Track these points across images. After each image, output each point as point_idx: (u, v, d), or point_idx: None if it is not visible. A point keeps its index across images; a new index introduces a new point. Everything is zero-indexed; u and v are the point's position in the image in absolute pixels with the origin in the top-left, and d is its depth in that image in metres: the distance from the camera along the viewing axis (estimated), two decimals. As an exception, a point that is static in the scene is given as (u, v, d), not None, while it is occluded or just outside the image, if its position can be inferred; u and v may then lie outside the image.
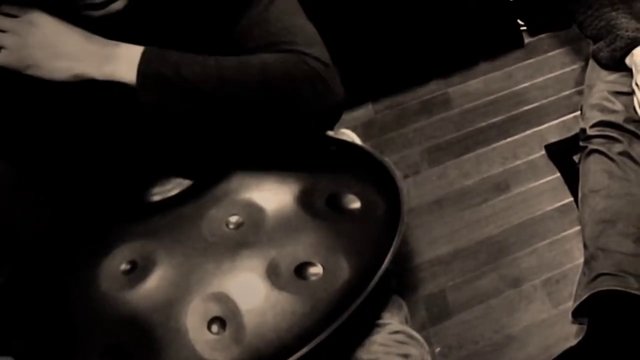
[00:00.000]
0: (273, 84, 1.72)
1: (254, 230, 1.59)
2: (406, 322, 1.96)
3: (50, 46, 1.63)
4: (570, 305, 2.43)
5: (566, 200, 3.08)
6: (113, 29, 1.69)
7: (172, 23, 1.77)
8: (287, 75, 1.73)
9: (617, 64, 2.61)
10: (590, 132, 2.56)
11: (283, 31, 1.78)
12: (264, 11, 1.78)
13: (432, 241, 3.02)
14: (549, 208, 3.08)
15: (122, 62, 1.65)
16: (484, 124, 3.53)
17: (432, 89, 3.72)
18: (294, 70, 1.73)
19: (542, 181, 3.20)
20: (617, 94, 2.56)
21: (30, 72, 1.63)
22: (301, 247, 1.58)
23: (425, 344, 1.89)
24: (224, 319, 1.46)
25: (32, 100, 1.70)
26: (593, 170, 2.53)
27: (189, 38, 1.78)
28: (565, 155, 3.22)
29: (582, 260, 2.50)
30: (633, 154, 2.47)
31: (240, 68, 1.71)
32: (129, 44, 1.67)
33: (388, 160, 1.88)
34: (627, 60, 2.56)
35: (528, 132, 3.44)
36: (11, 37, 1.63)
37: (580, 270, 2.49)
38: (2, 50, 1.63)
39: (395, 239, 1.65)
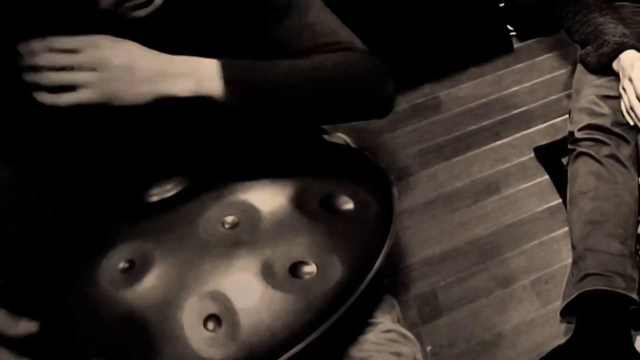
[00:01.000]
0: (347, 79, 1.80)
1: (249, 230, 1.59)
2: (398, 321, 1.96)
3: (129, 73, 1.57)
4: (559, 304, 2.44)
5: (555, 202, 3.09)
6: (155, 29, 1.68)
7: (209, 23, 1.78)
8: (358, 69, 1.82)
9: (605, 69, 2.61)
10: (578, 135, 2.56)
11: (330, 32, 1.85)
12: (304, 16, 1.82)
13: (423, 242, 3.03)
14: (538, 209, 3.10)
15: (203, 76, 1.63)
16: (474, 127, 3.54)
17: (423, 93, 3.74)
18: (362, 65, 1.83)
19: (531, 183, 3.21)
20: (605, 97, 2.57)
21: (114, 103, 1.59)
22: (295, 246, 1.58)
23: (416, 343, 1.89)
24: (220, 317, 1.45)
25: (32, 101, 1.69)
26: (581, 172, 2.53)
27: (224, 38, 1.81)
28: (554, 158, 3.23)
29: (570, 260, 2.50)
30: (620, 156, 2.48)
31: (315, 68, 1.76)
32: (193, 56, 1.65)
33: (381, 162, 1.89)
34: (615, 65, 2.57)
35: (517, 135, 3.45)
36: (87, 73, 1.56)
37: (568, 270, 2.49)
38: (82, 90, 1.57)
39: (388, 239, 1.65)
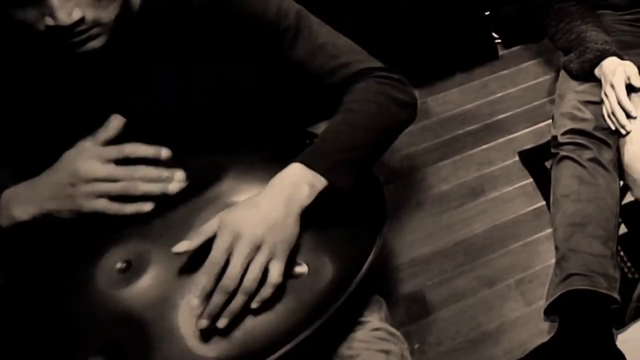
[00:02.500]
0: (390, 114, 1.87)
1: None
2: (386, 319, 1.97)
3: (257, 213, 1.55)
4: (543, 303, 2.44)
5: (538, 204, 3.10)
6: (116, 58, 1.69)
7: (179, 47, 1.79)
8: (388, 97, 1.88)
9: (587, 75, 2.62)
10: (561, 139, 2.57)
11: (343, 52, 1.91)
12: (315, 38, 1.86)
13: (411, 243, 3.03)
14: (522, 212, 3.10)
15: (303, 182, 1.63)
16: (460, 131, 3.54)
17: (411, 98, 3.74)
18: (392, 94, 1.90)
19: (515, 186, 3.21)
20: (587, 103, 2.57)
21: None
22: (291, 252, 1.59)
23: (404, 341, 1.89)
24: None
25: (31, 103, 1.69)
26: (564, 175, 2.54)
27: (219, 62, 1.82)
28: (538, 162, 3.24)
29: (553, 261, 2.51)
30: (602, 160, 2.48)
31: (366, 118, 1.81)
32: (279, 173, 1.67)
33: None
34: (597, 72, 2.57)
35: (502, 139, 3.45)
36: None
37: (552, 270, 2.49)
38: None
39: (377, 241, 1.66)
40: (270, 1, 1.81)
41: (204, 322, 1.44)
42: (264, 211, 1.55)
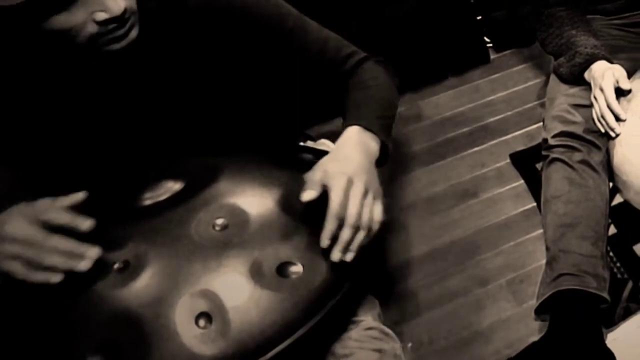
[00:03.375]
0: (392, 88, 2.07)
1: (238, 232, 1.60)
2: (379, 318, 1.97)
3: (352, 163, 1.72)
4: (534, 303, 2.45)
5: (529, 206, 3.10)
6: (134, 60, 1.71)
7: (194, 52, 1.81)
8: (390, 77, 2.08)
9: (577, 79, 2.62)
10: (551, 142, 2.57)
11: (344, 44, 2.04)
12: (318, 32, 1.98)
13: (404, 243, 3.03)
14: (513, 213, 3.10)
15: (368, 139, 1.83)
16: (453, 134, 3.54)
17: (404, 102, 3.73)
18: (389, 71, 2.09)
19: (507, 187, 3.21)
20: (577, 106, 2.58)
21: None
22: (282, 247, 1.59)
23: (397, 340, 1.89)
24: (211, 315, 1.46)
25: (31, 106, 1.69)
26: (554, 177, 2.55)
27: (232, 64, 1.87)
28: (529, 164, 3.24)
29: (544, 261, 2.51)
30: (592, 162, 2.49)
31: (384, 90, 2.01)
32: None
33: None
34: (586, 75, 2.58)
35: (494, 141, 3.45)
36: None
37: (542, 270, 2.50)
38: None
39: (370, 241, 1.66)
40: (269, 4, 1.86)
41: (337, 254, 1.59)
42: (359, 161, 1.72)
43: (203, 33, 1.77)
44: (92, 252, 1.49)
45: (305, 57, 1.93)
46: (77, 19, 1.48)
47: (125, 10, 1.52)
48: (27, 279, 1.48)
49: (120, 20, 1.53)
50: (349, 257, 1.60)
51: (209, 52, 1.80)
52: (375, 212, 1.68)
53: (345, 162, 1.70)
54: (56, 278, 1.48)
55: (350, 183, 1.63)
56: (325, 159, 1.72)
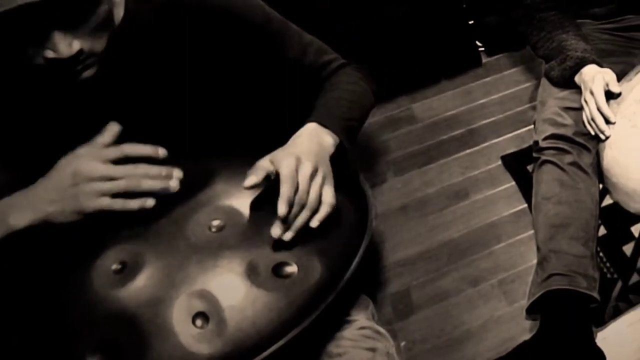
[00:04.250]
0: (367, 94, 2.08)
1: (234, 233, 1.60)
2: (373, 318, 1.97)
3: (301, 149, 1.74)
4: (525, 302, 2.45)
5: (521, 207, 3.10)
6: (109, 84, 1.71)
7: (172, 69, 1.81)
8: (366, 85, 2.09)
9: (567, 82, 2.62)
10: (542, 144, 2.58)
11: (324, 50, 2.08)
12: (300, 37, 1.99)
13: (397, 244, 3.04)
14: (505, 214, 3.10)
15: (324, 134, 1.84)
16: (445, 136, 3.55)
17: (398, 105, 3.73)
18: (364, 80, 2.09)
19: (498, 189, 3.22)
20: (567, 109, 2.58)
21: None
22: (278, 248, 1.59)
23: (390, 339, 1.89)
24: (207, 314, 1.46)
25: (31, 110, 1.69)
26: (545, 179, 2.55)
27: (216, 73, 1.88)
28: (520, 165, 3.24)
29: (535, 261, 2.51)
30: (582, 164, 2.49)
31: (355, 95, 2.02)
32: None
33: (357, 170, 1.89)
34: (577, 79, 2.58)
35: (486, 144, 3.46)
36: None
37: (533, 270, 2.50)
38: None
39: (364, 242, 1.66)
40: (254, 6, 1.88)
41: (277, 231, 1.60)
42: (307, 145, 1.75)
43: (189, 35, 1.77)
44: (178, 172, 1.62)
45: (286, 60, 1.95)
46: (30, 52, 1.49)
47: (78, 53, 1.51)
48: (125, 208, 1.57)
49: (70, 61, 1.51)
50: (288, 236, 1.61)
51: (201, 55, 1.80)
52: (325, 193, 1.68)
53: (294, 147, 1.74)
54: (151, 202, 1.59)
55: (298, 162, 1.65)
56: (278, 150, 1.73)
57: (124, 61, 1.72)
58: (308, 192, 1.64)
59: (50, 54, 1.48)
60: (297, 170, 1.63)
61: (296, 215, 1.62)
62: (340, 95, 1.96)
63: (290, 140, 1.78)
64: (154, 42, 1.75)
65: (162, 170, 1.60)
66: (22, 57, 1.50)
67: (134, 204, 1.58)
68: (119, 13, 1.70)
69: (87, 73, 1.59)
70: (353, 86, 2.02)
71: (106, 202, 1.55)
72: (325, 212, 1.66)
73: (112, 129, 1.61)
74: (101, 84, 1.68)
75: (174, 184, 1.61)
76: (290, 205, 1.60)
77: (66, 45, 1.48)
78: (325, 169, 1.72)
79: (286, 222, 1.61)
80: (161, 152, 1.63)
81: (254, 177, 1.62)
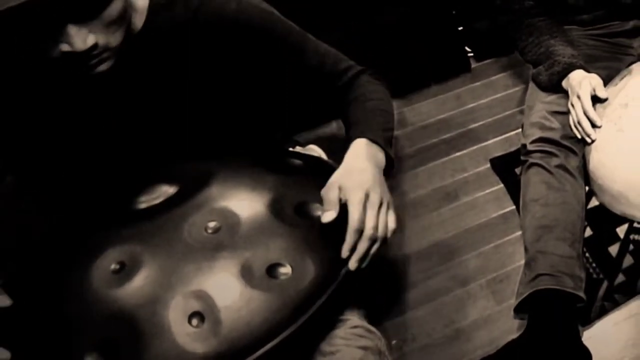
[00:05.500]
0: (390, 101, 2.06)
1: (230, 235, 1.60)
2: (364, 317, 1.97)
3: (365, 176, 1.72)
4: (513, 302, 2.45)
5: (509, 209, 3.11)
6: (123, 79, 1.72)
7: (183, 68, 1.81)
8: (384, 89, 2.08)
9: (555, 87, 2.63)
10: (530, 147, 2.58)
11: (342, 59, 2.04)
12: (317, 46, 1.97)
13: (388, 245, 3.03)
14: (493, 215, 3.11)
15: (375, 150, 1.83)
16: (435, 140, 3.55)
17: (389, 109, 3.74)
18: (380, 85, 2.07)
19: (487, 191, 3.22)
20: (555, 113, 2.58)
21: None
22: (272, 249, 1.59)
23: (381, 337, 1.89)
24: (203, 314, 1.46)
25: (32, 114, 1.69)
26: (533, 181, 2.55)
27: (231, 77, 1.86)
28: (508, 168, 3.25)
29: (523, 262, 2.52)
30: (569, 167, 2.50)
31: (382, 102, 2.00)
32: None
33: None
34: (564, 83, 2.58)
35: (475, 147, 3.46)
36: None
37: (521, 271, 2.51)
38: None
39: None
40: (274, 19, 1.87)
41: (354, 264, 1.63)
42: (372, 173, 1.72)
43: (208, 46, 1.77)
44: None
45: (305, 70, 1.94)
46: (45, 45, 1.49)
47: (93, 47, 1.51)
48: None
49: (85, 55, 1.52)
50: (364, 264, 1.65)
51: (209, 63, 1.80)
52: (389, 221, 1.70)
53: (360, 176, 1.71)
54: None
55: (366, 196, 1.65)
56: (338, 173, 1.73)
57: (139, 63, 1.73)
58: (377, 226, 1.66)
59: (65, 47, 1.48)
60: (365, 205, 1.64)
61: (367, 247, 1.65)
62: (375, 107, 1.96)
63: (350, 159, 1.79)
64: (170, 50, 1.76)
65: None
66: (37, 50, 1.51)
67: None
68: (140, 20, 1.71)
69: (102, 67, 1.59)
70: (380, 94, 2.01)
71: None
72: (386, 237, 1.70)
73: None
74: (113, 80, 1.69)
75: None
76: (357, 237, 1.63)
77: (81, 39, 1.48)
78: (387, 195, 1.73)
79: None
80: None
81: (332, 213, 1.64)
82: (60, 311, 1.53)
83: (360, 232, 1.62)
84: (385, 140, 1.87)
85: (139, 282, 1.52)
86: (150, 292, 1.49)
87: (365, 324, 1.89)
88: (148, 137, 1.76)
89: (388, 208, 1.71)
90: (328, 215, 1.63)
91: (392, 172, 1.91)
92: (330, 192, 1.67)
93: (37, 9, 1.40)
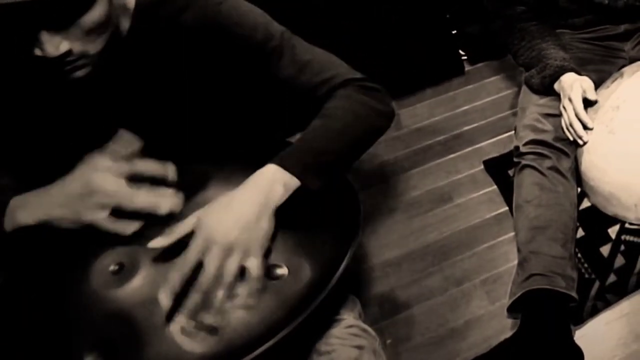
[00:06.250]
0: (367, 123, 1.87)
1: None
2: (360, 317, 1.97)
3: (231, 215, 1.55)
4: (506, 302, 2.46)
5: (502, 210, 3.10)
6: (101, 86, 1.70)
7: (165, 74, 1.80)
8: (369, 110, 1.88)
9: (547, 90, 2.63)
10: (523, 149, 2.59)
11: (327, 67, 1.89)
12: (299, 55, 1.86)
13: (384, 245, 3.03)
14: (487, 216, 3.10)
15: (278, 182, 1.62)
16: (430, 142, 3.55)
17: (384, 111, 3.74)
18: (370, 103, 1.89)
19: (481, 192, 3.22)
20: (547, 115, 2.59)
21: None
22: (269, 250, 1.59)
23: (377, 337, 1.90)
24: (202, 314, 1.46)
25: (30, 114, 1.69)
26: (526, 183, 2.56)
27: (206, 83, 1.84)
28: (501, 170, 3.24)
29: (516, 262, 2.53)
30: (561, 168, 2.50)
31: (345, 125, 1.80)
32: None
33: (345, 174, 1.89)
34: (556, 86, 2.59)
35: (468, 149, 3.46)
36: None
37: (514, 271, 2.51)
38: None
39: (352, 245, 1.66)
40: (257, 23, 1.82)
41: (185, 321, 1.46)
42: (238, 212, 1.55)
43: (193, 47, 1.77)
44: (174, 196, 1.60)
45: (280, 78, 1.86)
46: (19, 48, 1.48)
47: (66, 53, 1.49)
48: (107, 228, 1.56)
49: (59, 60, 1.50)
50: (208, 320, 1.47)
51: (199, 67, 1.79)
52: (250, 269, 1.51)
53: (222, 215, 1.55)
54: (132, 228, 1.58)
55: (210, 243, 1.49)
56: (213, 203, 1.59)
57: (123, 67, 1.72)
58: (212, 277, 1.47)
59: (38, 52, 1.47)
60: (204, 253, 1.49)
61: (196, 300, 1.46)
62: (320, 125, 1.80)
63: (241, 186, 1.63)
64: (155, 53, 1.75)
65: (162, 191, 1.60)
66: (11, 52, 1.50)
67: (117, 226, 1.56)
68: (125, 23, 1.70)
69: (79, 73, 1.57)
70: (343, 111, 1.82)
71: (99, 216, 1.55)
72: (254, 287, 1.51)
73: (128, 139, 1.60)
74: (97, 86, 1.68)
75: (164, 209, 1.58)
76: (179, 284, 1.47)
77: (53, 46, 1.46)
78: (251, 239, 1.53)
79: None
80: (170, 173, 1.62)
81: (161, 240, 1.53)
82: (59, 311, 1.53)
83: (185, 280, 1.47)
84: (306, 167, 1.67)
85: (138, 283, 1.52)
86: (148, 292, 1.49)
87: (360, 323, 1.89)
88: (140, 138, 1.76)
89: (248, 256, 1.52)
90: (155, 242, 1.51)
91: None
92: (183, 225, 1.55)
93: (10, 13, 1.39)
